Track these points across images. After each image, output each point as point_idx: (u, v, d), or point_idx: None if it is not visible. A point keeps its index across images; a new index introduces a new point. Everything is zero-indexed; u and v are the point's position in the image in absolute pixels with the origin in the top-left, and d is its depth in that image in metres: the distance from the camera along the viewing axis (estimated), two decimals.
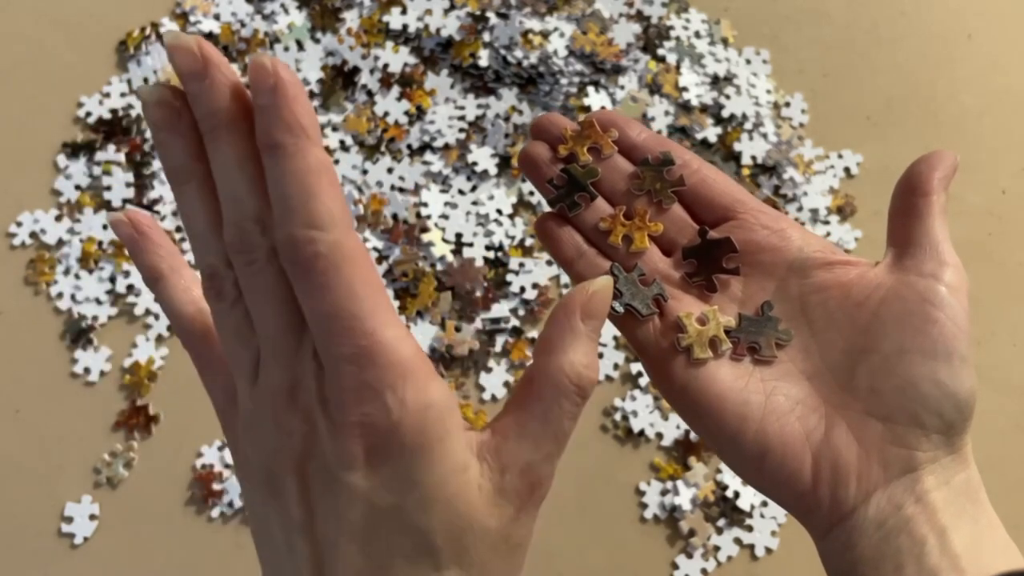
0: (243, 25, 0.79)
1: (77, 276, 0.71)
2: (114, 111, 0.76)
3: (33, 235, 0.72)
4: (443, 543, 0.28)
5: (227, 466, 0.66)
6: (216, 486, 0.65)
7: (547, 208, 0.40)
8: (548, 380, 0.30)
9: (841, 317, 0.35)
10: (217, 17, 0.79)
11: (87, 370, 0.68)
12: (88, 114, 0.75)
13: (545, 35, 0.76)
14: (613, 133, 0.39)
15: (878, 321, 0.34)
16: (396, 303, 0.71)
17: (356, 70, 0.77)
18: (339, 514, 0.28)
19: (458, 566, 0.29)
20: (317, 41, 0.78)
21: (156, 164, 0.74)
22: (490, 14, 0.77)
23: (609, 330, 0.71)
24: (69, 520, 0.64)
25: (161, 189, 0.73)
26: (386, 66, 0.77)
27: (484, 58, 0.76)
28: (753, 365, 0.36)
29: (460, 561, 0.29)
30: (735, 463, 0.36)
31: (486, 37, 0.77)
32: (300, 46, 0.78)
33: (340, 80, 0.77)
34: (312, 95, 0.77)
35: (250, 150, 0.27)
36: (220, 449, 0.67)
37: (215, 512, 0.65)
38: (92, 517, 0.64)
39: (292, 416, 0.28)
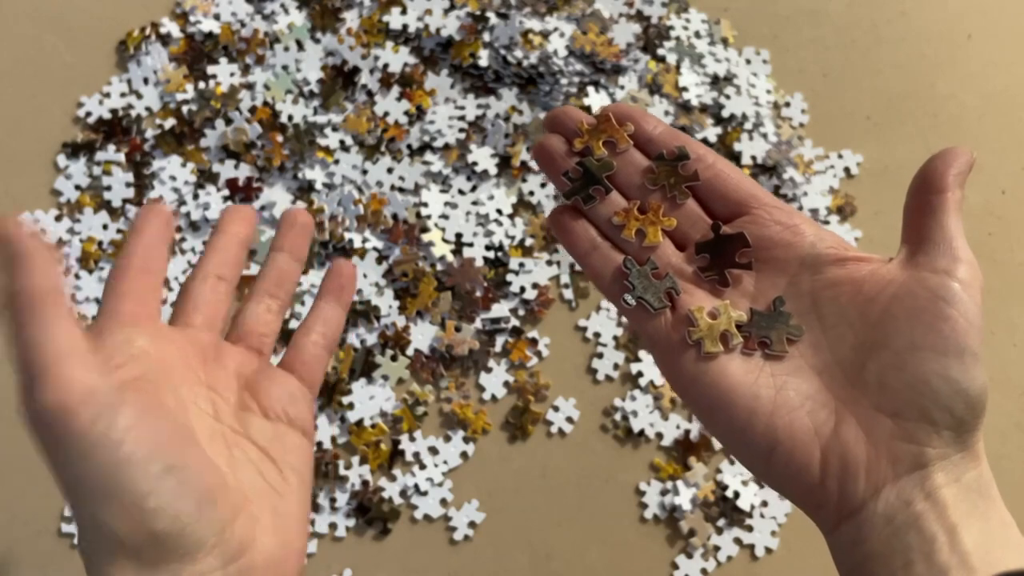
0: (243, 25, 0.79)
1: (77, 276, 0.71)
2: (114, 111, 0.76)
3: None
4: None
5: None
6: None
7: (554, 205, 0.40)
8: None
9: (852, 313, 0.36)
10: (217, 17, 0.79)
11: None
12: (88, 114, 0.75)
13: (545, 35, 0.76)
14: (629, 127, 0.39)
15: (889, 317, 0.34)
16: (396, 303, 0.71)
17: (356, 70, 0.77)
18: None
19: None
20: (317, 41, 0.78)
21: (156, 164, 0.74)
22: (490, 14, 0.77)
23: (609, 329, 0.71)
24: (69, 520, 0.64)
25: (161, 189, 0.73)
26: (386, 66, 0.77)
27: (484, 58, 0.76)
28: (764, 360, 0.36)
29: None
30: (744, 457, 0.36)
31: (486, 37, 0.77)
32: (300, 46, 0.78)
33: (340, 80, 0.77)
34: (312, 95, 0.77)
35: None
36: None
37: None
38: None
39: None
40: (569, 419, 0.68)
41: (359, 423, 0.68)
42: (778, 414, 0.35)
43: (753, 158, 0.75)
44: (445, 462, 0.67)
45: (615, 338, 0.71)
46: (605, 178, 0.39)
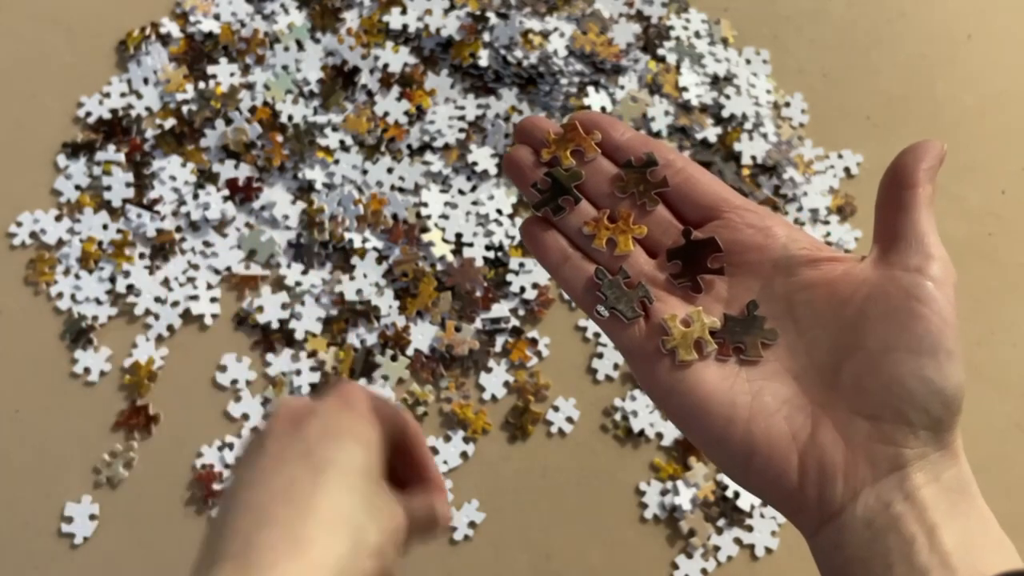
0: (243, 25, 0.79)
1: (77, 276, 0.71)
2: (114, 111, 0.76)
3: (33, 235, 0.72)
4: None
5: (227, 466, 0.66)
6: (216, 486, 0.65)
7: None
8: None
9: (827, 315, 0.35)
10: (217, 17, 0.79)
11: (87, 370, 0.68)
12: (88, 114, 0.75)
13: (545, 35, 0.76)
14: (596, 135, 0.39)
15: (863, 318, 0.34)
16: (396, 303, 0.71)
17: (356, 70, 0.77)
18: None
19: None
20: (317, 41, 0.78)
21: (156, 164, 0.74)
22: (490, 14, 0.77)
23: None
24: (69, 520, 0.64)
25: (161, 189, 0.73)
26: (386, 66, 0.77)
27: (484, 58, 0.76)
28: (739, 366, 0.36)
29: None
30: (723, 464, 0.36)
31: (486, 37, 0.77)
32: (300, 46, 0.78)
33: (340, 80, 0.77)
34: (312, 95, 0.77)
35: None
36: (220, 449, 0.67)
37: (215, 512, 0.65)
38: (92, 517, 0.64)
39: None
40: (569, 419, 0.68)
41: None
42: (755, 420, 0.34)
43: (753, 158, 0.75)
44: (445, 462, 0.67)
45: None
46: (574, 187, 0.38)
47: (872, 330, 0.34)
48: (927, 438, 0.32)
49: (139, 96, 0.76)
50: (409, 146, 0.75)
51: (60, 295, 0.70)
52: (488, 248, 0.72)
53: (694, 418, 0.35)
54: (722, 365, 0.36)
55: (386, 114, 0.76)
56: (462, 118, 0.76)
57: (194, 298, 0.71)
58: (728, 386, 0.35)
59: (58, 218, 0.72)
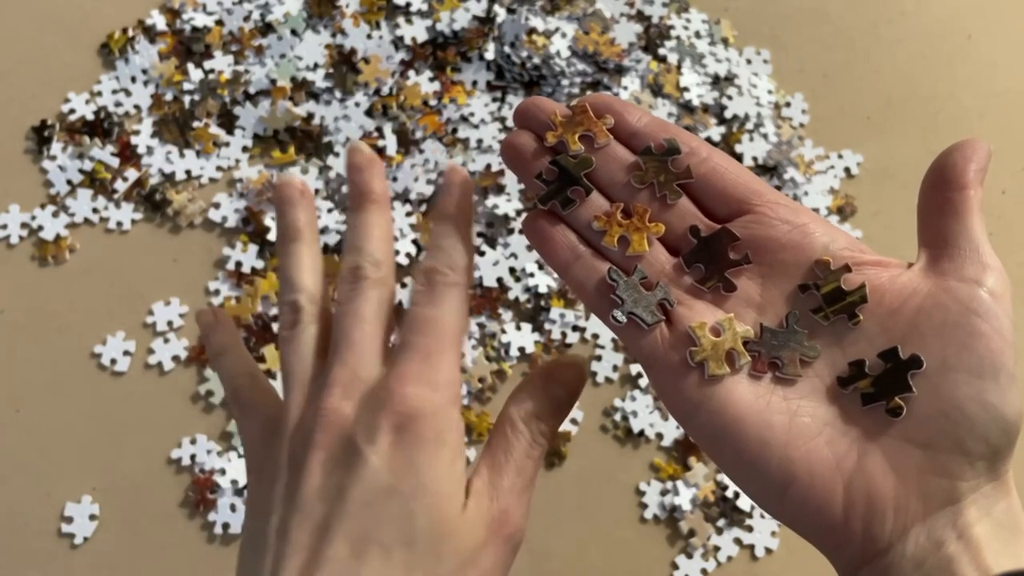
0: (230, 14, 0.77)
1: None
2: (97, 112, 0.74)
3: (29, 230, 0.71)
4: (422, 537, 0.31)
5: (222, 471, 0.66)
6: (210, 495, 0.65)
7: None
8: (504, 421, 0.36)
9: (873, 326, 0.32)
10: (205, 7, 0.77)
11: (113, 360, 0.68)
12: (72, 111, 0.74)
13: (548, 35, 0.75)
14: (608, 120, 0.35)
15: (916, 333, 0.31)
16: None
17: (354, 51, 0.77)
18: (341, 487, 0.32)
19: (426, 570, 0.31)
20: (317, 32, 0.77)
21: (145, 160, 0.73)
22: (499, 10, 0.77)
23: (609, 331, 0.70)
24: (69, 520, 0.64)
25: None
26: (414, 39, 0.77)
27: (491, 51, 0.76)
28: (774, 383, 0.33)
29: (431, 566, 0.31)
30: (754, 492, 0.33)
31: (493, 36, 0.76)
32: (296, 34, 0.77)
33: (344, 67, 0.76)
34: (324, 91, 0.76)
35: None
36: (219, 455, 0.66)
37: (213, 516, 0.65)
38: (92, 517, 0.64)
39: (343, 401, 0.34)
40: (573, 420, 0.68)
41: None
42: (794, 444, 0.31)
43: (754, 159, 0.75)
44: None
45: (613, 340, 0.70)
46: (584, 176, 0.35)
47: (927, 347, 0.31)
48: (983, 469, 0.30)
49: (128, 94, 0.75)
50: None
51: None
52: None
53: (724, 439, 0.32)
54: (755, 381, 0.33)
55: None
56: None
57: None
58: (763, 405, 0.32)
59: (55, 214, 0.72)
